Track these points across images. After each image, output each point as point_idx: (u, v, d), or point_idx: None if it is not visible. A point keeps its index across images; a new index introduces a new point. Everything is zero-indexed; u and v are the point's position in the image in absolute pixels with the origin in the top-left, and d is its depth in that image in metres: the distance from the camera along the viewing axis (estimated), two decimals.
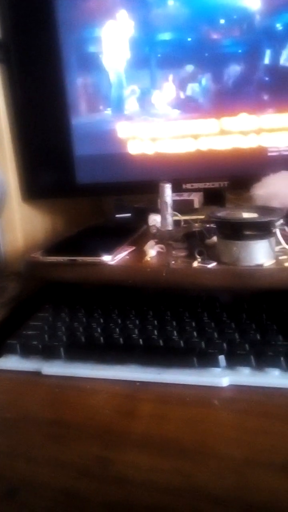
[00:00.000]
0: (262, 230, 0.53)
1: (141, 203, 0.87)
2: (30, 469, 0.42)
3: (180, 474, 0.40)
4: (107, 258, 0.60)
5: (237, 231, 0.54)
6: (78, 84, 0.78)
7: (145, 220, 0.75)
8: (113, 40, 0.75)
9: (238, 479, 0.39)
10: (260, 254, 0.54)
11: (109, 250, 0.61)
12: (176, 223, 0.70)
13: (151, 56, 0.76)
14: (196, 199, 0.78)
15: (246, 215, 0.55)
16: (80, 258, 0.60)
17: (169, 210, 0.66)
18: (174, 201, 0.70)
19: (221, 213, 0.57)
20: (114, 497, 0.39)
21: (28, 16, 0.76)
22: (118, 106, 0.79)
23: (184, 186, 0.78)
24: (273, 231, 0.53)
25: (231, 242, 0.55)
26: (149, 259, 0.61)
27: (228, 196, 0.81)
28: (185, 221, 0.71)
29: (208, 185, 0.78)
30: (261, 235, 0.54)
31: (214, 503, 0.37)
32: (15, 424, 0.48)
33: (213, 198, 0.81)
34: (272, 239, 0.55)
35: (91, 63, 0.77)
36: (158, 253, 0.63)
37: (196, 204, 0.78)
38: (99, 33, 0.75)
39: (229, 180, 0.77)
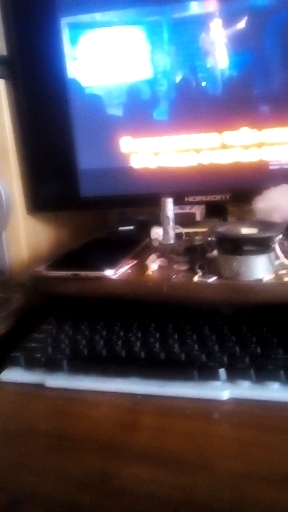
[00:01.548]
0: (261, 245, 0.54)
1: (144, 215, 0.88)
2: (32, 481, 0.42)
3: (179, 487, 0.40)
4: (109, 273, 0.61)
5: (236, 246, 0.54)
6: (82, 99, 0.80)
7: (147, 233, 0.76)
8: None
9: (236, 492, 0.39)
10: (259, 269, 0.55)
11: (112, 264, 0.62)
12: (178, 236, 0.71)
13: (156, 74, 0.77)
14: (198, 212, 0.79)
15: (245, 230, 0.56)
16: (82, 273, 0.61)
17: (171, 224, 0.67)
18: (176, 214, 0.71)
19: (222, 228, 0.58)
20: (114, 510, 0.39)
21: (33, 32, 0.78)
22: (121, 120, 0.80)
23: (186, 199, 0.79)
24: (272, 246, 0.54)
25: (231, 257, 0.55)
26: (150, 273, 0.62)
27: (230, 208, 0.82)
28: (186, 234, 0.72)
29: (210, 198, 0.79)
30: (261, 250, 0.54)
31: None
32: (18, 436, 0.49)
33: (215, 211, 0.82)
34: (272, 254, 0.56)
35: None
36: (160, 267, 0.64)
37: (198, 217, 0.79)
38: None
39: (230, 193, 0.78)
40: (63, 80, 0.79)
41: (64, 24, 0.77)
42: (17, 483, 0.42)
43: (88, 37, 0.77)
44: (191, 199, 0.79)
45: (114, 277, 0.61)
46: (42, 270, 0.64)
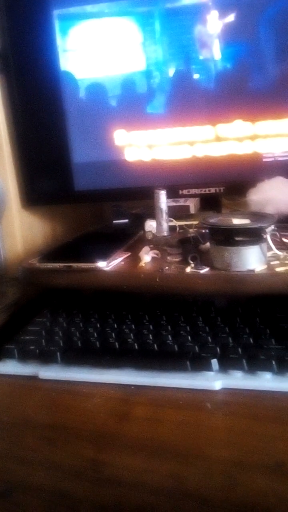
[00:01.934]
0: (253, 236, 0.54)
1: (138, 209, 0.88)
2: (25, 471, 0.43)
3: (171, 476, 0.40)
4: (102, 264, 0.61)
5: (228, 237, 0.54)
6: (75, 92, 0.80)
7: (142, 226, 0.76)
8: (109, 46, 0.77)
9: (227, 481, 0.39)
10: (251, 259, 0.55)
11: (105, 256, 0.62)
12: (172, 228, 0.71)
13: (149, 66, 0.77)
14: (192, 204, 0.79)
15: (237, 221, 0.56)
16: (75, 265, 0.61)
17: (164, 216, 0.67)
18: (171, 207, 0.71)
19: (213, 220, 0.58)
20: (106, 498, 0.39)
21: (26, 25, 0.77)
22: (115, 113, 0.80)
23: (180, 192, 0.79)
24: (264, 237, 0.54)
25: (223, 248, 0.56)
26: (143, 265, 0.62)
27: (224, 201, 0.82)
28: (181, 226, 0.72)
29: (204, 190, 0.79)
30: (252, 241, 0.55)
31: (203, 505, 0.38)
32: (11, 427, 0.49)
33: (209, 203, 0.82)
34: (264, 245, 0.56)
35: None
36: (153, 258, 0.64)
37: (192, 210, 0.79)
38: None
39: (225, 185, 0.78)
40: (56, 73, 0.79)
41: (56, 16, 0.76)
42: (9, 472, 0.43)
43: (80, 29, 0.77)
44: (185, 192, 0.79)
45: (106, 268, 0.61)
46: (35, 262, 0.64)
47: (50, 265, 0.63)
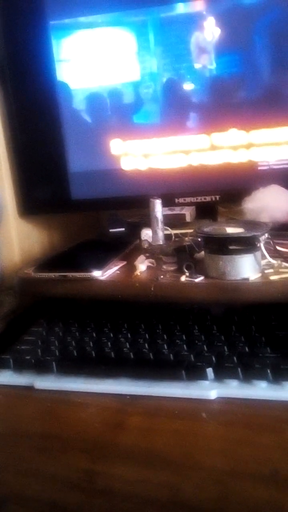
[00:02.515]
0: (246, 244, 0.54)
1: (134, 217, 0.88)
2: (18, 482, 0.43)
3: (166, 486, 0.40)
4: (97, 274, 0.61)
5: (222, 246, 0.55)
6: (72, 102, 0.80)
7: (138, 235, 0.76)
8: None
9: (222, 490, 0.39)
10: (245, 268, 0.55)
11: (100, 265, 0.63)
12: (168, 237, 0.71)
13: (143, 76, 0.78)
14: (188, 213, 0.80)
15: (231, 230, 0.56)
16: (70, 274, 0.61)
17: (160, 225, 0.68)
18: (166, 216, 0.71)
19: (208, 229, 0.59)
20: (100, 509, 0.39)
21: (22, 36, 0.78)
22: (111, 122, 0.80)
23: (176, 200, 0.80)
24: (258, 245, 0.54)
25: (217, 257, 0.56)
26: (139, 273, 0.62)
27: (220, 209, 0.82)
28: (176, 235, 0.72)
29: (200, 199, 0.79)
30: (246, 250, 0.55)
31: None
32: (5, 437, 0.49)
33: (205, 212, 0.82)
34: (258, 253, 0.56)
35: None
36: (148, 267, 0.64)
37: (188, 218, 0.79)
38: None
39: (220, 194, 0.78)
40: (53, 83, 0.79)
41: (52, 27, 0.77)
42: (2, 483, 0.43)
43: (76, 39, 0.78)
44: (181, 200, 0.80)
45: (102, 278, 0.61)
46: (30, 272, 0.64)
47: (45, 275, 0.63)
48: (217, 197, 0.78)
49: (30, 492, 0.42)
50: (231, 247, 0.54)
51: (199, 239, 0.64)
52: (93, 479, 0.42)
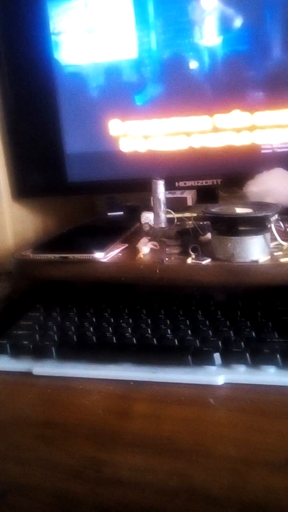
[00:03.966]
0: (257, 225, 0.53)
1: (133, 201, 0.86)
2: (21, 471, 0.41)
3: (175, 474, 0.39)
4: (99, 255, 0.59)
5: (231, 226, 0.53)
6: (68, 80, 0.77)
7: (137, 218, 0.74)
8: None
9: (234, 478, 0.38)
10: (255, 250, 0.54)
11: (101, 247, 0.60)
12: (169, 220, 0.69)
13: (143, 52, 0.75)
14: (189, 197, 0.78)
15: (240, 210, 0.54)
16: (71, 255, 0.59)
17: (162, 207, 0.66)
18: (167, 199, 0.70)
19: (216, 209, 0.57)
20: (107, 499, 0.38)
21: (16, 11, 0.75)
22: (109, 102, 0.78)
23: (177, 184, 0.78)
24: (268, 226, 0.53)
25: (226, 238, 0.54)
26: (142, 256, 0.60)
27: (221, 193, 0.81)
28: (178, 219, 0.70)
29: (201, 182, 0.77)
30: (256, 231, 0.53)
31: (210, 503, 0.36)
32: (5, 425, 0.47)
33: (206, 195, 0.80)
34: (267, 235, 0.54)
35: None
36: (151, 250, 0.62)
37: (189, 202, 0.77)
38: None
39: (222, 177, 0.76)
40: (48, 62, 0.76)
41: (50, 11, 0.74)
42: (4, 473, 0.41)
43: (72, 14, 0.74)
44: (182, 184, 0.78)
45: (104, 260, 0.59)
46: (28, 253, 0.62)
47: (45, 256, 0.60)
48: (219, 180, 0.77)
49: (32, 482, 0.40)
50: (241, 228, 0.52)
51: (203, 222, 0.62)
52: (99, 468, 0.40)
